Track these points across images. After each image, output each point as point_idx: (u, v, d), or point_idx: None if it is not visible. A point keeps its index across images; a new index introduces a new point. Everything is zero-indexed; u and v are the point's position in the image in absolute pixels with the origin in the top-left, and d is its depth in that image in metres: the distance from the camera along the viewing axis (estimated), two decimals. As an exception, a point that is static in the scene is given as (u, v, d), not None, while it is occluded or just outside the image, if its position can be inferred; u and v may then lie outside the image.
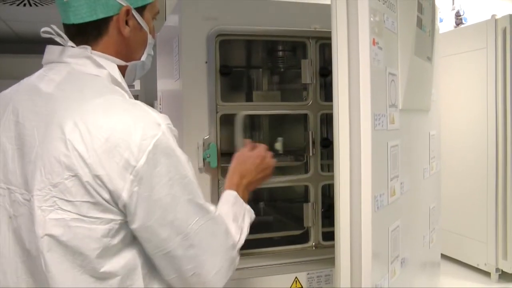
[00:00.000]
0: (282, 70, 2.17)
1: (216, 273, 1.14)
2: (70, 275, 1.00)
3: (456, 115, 2.28)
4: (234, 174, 1.44)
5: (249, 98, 2.15)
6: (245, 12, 1.73)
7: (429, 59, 1.66)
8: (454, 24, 2.83)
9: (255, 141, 2.23)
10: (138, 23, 1.21)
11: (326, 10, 1.29)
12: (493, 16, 2.09)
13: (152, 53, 1.31)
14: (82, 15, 1.13)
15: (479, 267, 2.18)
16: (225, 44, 1.75)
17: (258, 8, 1.75)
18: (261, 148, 1.53)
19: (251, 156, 1.49)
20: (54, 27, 1.15)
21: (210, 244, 1.12)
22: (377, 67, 1.22)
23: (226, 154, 1.79)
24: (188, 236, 1.07)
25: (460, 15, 2.87)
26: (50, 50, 1.17)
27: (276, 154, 1.72)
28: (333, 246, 1.26)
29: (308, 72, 1.82)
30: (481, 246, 2.15)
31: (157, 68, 2.40)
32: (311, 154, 1.83)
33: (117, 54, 1.19)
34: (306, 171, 1.86)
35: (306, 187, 1.90)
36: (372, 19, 1.19)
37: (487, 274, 2.14)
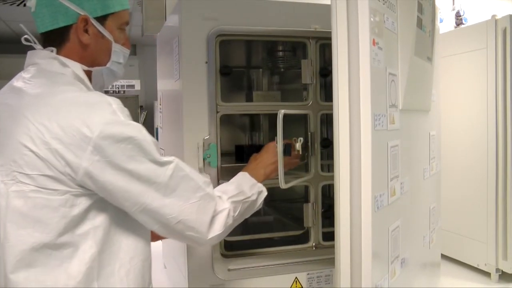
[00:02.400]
0: (282, 70, 2.17)
1: (196, 213, 1.25)
2: (29, 245, 1.11)
3: (456, 116, 2.28)
4: (251, 160, 1.64)
5: (249, 98, 2.15)
6: (245, 12, 1.73)
7: (429, 59, 1.66)
8: (454, 24, 2.83)
9: (255, 141, 2.24)
10: (99, 31, 1.29)
11: (326, 10, 1.29)
12: (493, 16, 2.09)
13: (121, 60, 1.38)
14: (46, 24, 1.27)
15: (479, 267, 2.18)
16: (225, 44, 1.75)
17: (258, 8, 1.75)
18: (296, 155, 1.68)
19: (269, 146, 1.65)
20: (23, 27, 1.28)
21: (183, 188, 1.23)
22: (377, 67, 1.22)
23: (226, 154, 1.79)
24: (160, 187, 1.19)
25: (460, 15, 2.87)
26: (28, 55, 1.30)
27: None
28: (333, 246, 1.26)
29: (308, 72, 1.82)
30: (481, 246, 2.15)
31: (157, 68, 2.40)
32: (311, 154, 1.83)
33: (81, 59, 1.29)
34: (306, 171, 1.86)
35: (306, 187, 1.90)
36: (372, 19, 1.18)
37: (487, 274, 2.14)
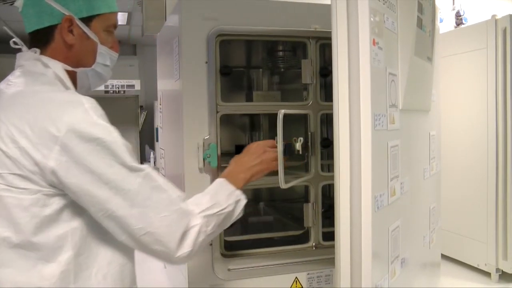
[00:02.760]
0: (282, 70, 2.17)
1: (167, 227, 1.17)
2: (1, 244, 1.10)
3: (456, 115, 2.28)
4: (233, 163, 1.54)
5: (249, 98, 2.15)
6: (245, 12, 1.73)
7: (429, 59, 1.66)
8: (454, 24, 2.83)
9: (255, 141, 2.24)
10: (84, 32, 1.29)
11: (326, 10, 1.29)
12: (493, 16, 2.09)
13: (108, 63, 1.36)
14: (32, 24, 1.28)
15: (479, 267, 2.18)
16: (225, 44, 1.75)
17: (258, 8, 1.75)
18: (265, 141, 1.60)
19: (250, 147, 1.58)
20: (7, 29, 1.34)
21: (153, 200, 1.17)
22: (377, 67, 1.22)
23: (226, 154, 1.79)
24: (128, 195, 1.13)
25: (460, 15, 2.87)
26: (17, 57, 1.30)
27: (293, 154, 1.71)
28: (333, 246, 1.26)
29: (308, 72, 1.82)
30: (481, 246, 2.15)
31: (157, 68, 2.40)
32: (311, 154, 1.83)
33: (65, 60, 1.28)
34: (306, 171, 1.86)
35: (306, 187, 1.90)
36: (372, 19, 1.18)
37: (487, 274, 2.14)
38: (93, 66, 1.33)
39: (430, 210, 1.78)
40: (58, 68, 1.25)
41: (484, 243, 2.14)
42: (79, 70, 1.32)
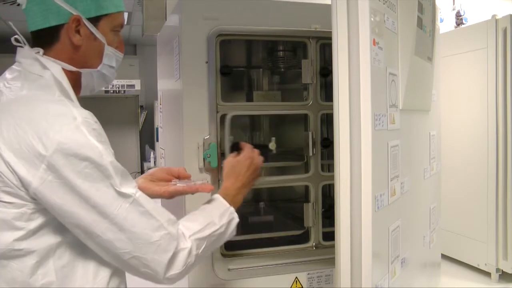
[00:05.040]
0: (282, 70, 2.17)
1: (154, 253, 1.14)
2: None
3: (456, 115, 2.28)
4: (227, 179, 1.47)
5: (249, 98, 2.15)
6: (245, 12, 1.73)
7: (430, 59, 1.66)
8: (455, 24, 2.83)
9: (255, 141, 2.24)
10: (92, 33, 1.25)
11: (326, 10, 1.29)
12: (493, 16, 2.09)
13: (114, 64, 1.33)
14: (36, 23, 1.22)
15: (479, 267, 2.18)
16: (225, 44, 1.75)
17: (259, 8, 1.75)
18: (248, 149, 1.54)
19: (239, 160, 1.50)
20: (12, 25, 1.27)
21: (140, 225, 1.13)
22: (377, 67, 1.22)
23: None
24: (115, 220, 1.10)
25: (461, 15, 2.87)
26: (17, 52, 1.25)
27: (271, 153, 1.77)
28: (333, 246, 1.26)
29: (309, 72, 1.82)
30: (482, 246, 2.15)
31: (158, 68, 2.40)
32: (311, 154, 1.83)
33: (70, 61, 1.24)
34: (307, 171, 1.86)
35: (307, 187, 1.90)
36: (372, 19, 1.18)
37: (487, 274, 2.14)
38: (99, 68, 1.29)
39: (430, 210, 1.78)
40: (56, 70, 1.20)
41: (484, 243, 2.14)
42: (84, 71, 1.28)
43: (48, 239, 1.11)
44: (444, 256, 2.17)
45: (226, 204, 1.37)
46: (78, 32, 1.23)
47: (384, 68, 1.27)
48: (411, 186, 1.49)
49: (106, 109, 6.54)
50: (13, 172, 1.05)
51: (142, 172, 6.54)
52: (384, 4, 1.27)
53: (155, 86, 2.46)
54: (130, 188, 1.14)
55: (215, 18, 1.68)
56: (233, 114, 1.72)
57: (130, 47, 7.36)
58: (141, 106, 7.01)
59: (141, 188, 1.30)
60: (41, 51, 1.23)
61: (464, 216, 2.26)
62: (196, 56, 1.68)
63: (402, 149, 1.38)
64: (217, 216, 1.33)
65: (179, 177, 1.51)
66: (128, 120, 6.88)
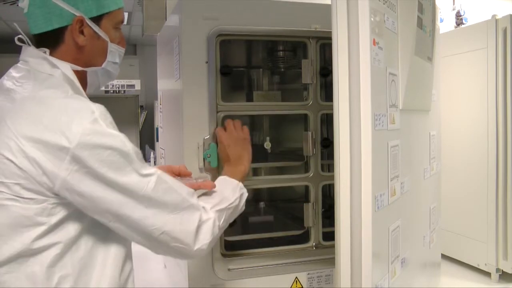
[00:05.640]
0: (282, 70, 2.17)
1: (181, 224, 1.22)
2: (6, 253, 1.09)
3: (456, 115, 2.28)
4: (227, 164, 1.62)
5: (249, 98, 2.15)
6: (245, 12, 1.73)
7: (430, 59, 1.66)
8: (455, 24, 2.83)
9: (255, 141, 2.24)
10: (95, 32, 1.26)
11: (326, 10, 1.29)
12: (493, 16, 2.09)
13: (117, 60, 1.35)
14: (39, 26, 1.23)
15: (479, 267, 2.18)
16: (225, 44, 1.75)
17: (259, 8, 1.75)
18: (243, 130, 1.69)
19: (238, 139, 1.66)
20: (17, 26, 1.27)
21: (166, 200, 1.20)
22: (377, 67, 1.22)
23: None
24: (142, 199, 1.15)
25: (461, 15, 2.87)
26: (22, 50, 1.27)
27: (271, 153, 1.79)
28: (333, 246, 1.26)
29: (309, 72, 1.82)
30: (482, 246, 2.15)
31: (158, 68, 2.40)
32: (311, 154, 1.83)
33: (75, 61, 1.26)
34: (307, 171, 1.86)
35: (307, 187, 1.90)
36: (372, 19, 1.18)
37: (487, 274, 2.14)
38: (103, 65, 1.31)
39: (430, 210, 1.78)
40: (66, 68, 1.22)
41: (484, 243, 2.14)
42: (89, 70, 1.30)
43: (68, 233, 1.13)
44: (444, 256, 2.17)
45: (234, 180, 1.49)
46: (82, 32, 1.24)
47: (384, 68, 1.27)
48: (411, 186, 1.50)
49: (106, 109, 6.53)
50: (38, 167, 1.07)
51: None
52: (384, 4, 1.27)
53: (155, 86, 2.46)
54: (151, 168, 1.20)
55: (215, 18, 1.68)
56: (233, 114, 1.72)
57: (130, 47, 7.36)
58: (141, 106, 7.01)
59: None
60: (47, 51, 1.24)
61: (464, 216, 2.26)
62: (196, 56, 1.68)
63: (402, 149, 1.38)
64: (230, 191, 1.45)
65: (180, 175, 1.55)
66: (128, 120, 6.87)
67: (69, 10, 1.22)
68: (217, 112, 1.70)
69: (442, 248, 2.07)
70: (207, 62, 1.68)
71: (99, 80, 1.34)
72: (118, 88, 6.12)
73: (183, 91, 1.68)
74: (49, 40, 1.24)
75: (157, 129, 5.88)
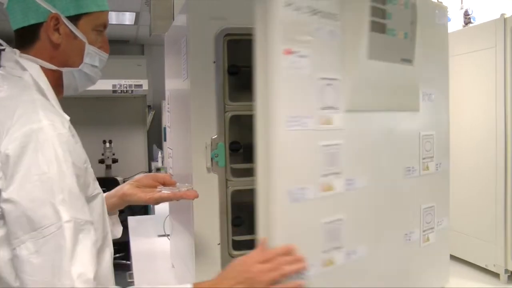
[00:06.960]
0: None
1: None
2: None
3: (465, 115, 2.27)
4: (218, 276, 1.30)
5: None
6: (253, 11, 1.73)
7: (408, 61, 1.64)
8: (463, 24, 2.81)
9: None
10: (72, 31, 1.25)
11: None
12: (502, 15, 2.07)
13: (97, 64, 1.33)
14: (17, 21, 1.25)
15: (487, 268, 2.17)
16: (233, 43, 1.76)
17: (266, 7, 1.74)
18: (254, 254, 1.29)
19: (236, 263, 1.29)
20: None
21: (54, 258, 1.02)
22: (298, 73, 1.29)
23: (234, 154, 1.79)
24: (37, 239, 1.02)
25: (469, 14, 2.85)
26: (1, 56, 1.28)
27: None
28: None
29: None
30: (490, 246, 2.14)
31: (165, 68, 2.40)
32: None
33: (51, 59, 1.26)
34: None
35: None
36: (286, 31, 1.28)
37: (496, 275, 2.13)
38: (80, 67, 1.30)
39: (421, 210, 1.77)
40: (34, 70, 1.22)
41: (492, 243, 2.13)
42: (64, 70, 1.29)
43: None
44: (452, 257, 2.16)
45: None
46: (57, 30, 1.24)
47: (310, 74, 1.32)
48: (376, 184, 1.53)
49: (114, 109, 6.57)
50: None
51: (150, 171, 6.56)
52: (314, 15, 1.32)
53: (162, 86, 2.46)
54: (68, 210, 1.05)
55: (222, 17, 1.68)
56: (241, 114, 1.71)
57: (137, 47, 7.39)
58: (149, 106, 7.03)
59: (127, 194, 1.40)
60: (17, 52, 1.24)
61: (472, 216, 2.24)
62: (203, 56, 1.68)
63: (350, 149, 1.42)
64: None
65: (164, 184, 1.55)
66: (136, 120, 6.90)
67: (45, 7, 1.22)
68: (225, 112, 1.71)
69: (450, 248, 2.06)
70: (214, 62, 1.69)
71: (76, 82, 1.33)
72: (126, 88, 6.15)
73: (191, 91, 1.68)
74: (27, 36, 1.25)
75: (164, 128, 5.90)
